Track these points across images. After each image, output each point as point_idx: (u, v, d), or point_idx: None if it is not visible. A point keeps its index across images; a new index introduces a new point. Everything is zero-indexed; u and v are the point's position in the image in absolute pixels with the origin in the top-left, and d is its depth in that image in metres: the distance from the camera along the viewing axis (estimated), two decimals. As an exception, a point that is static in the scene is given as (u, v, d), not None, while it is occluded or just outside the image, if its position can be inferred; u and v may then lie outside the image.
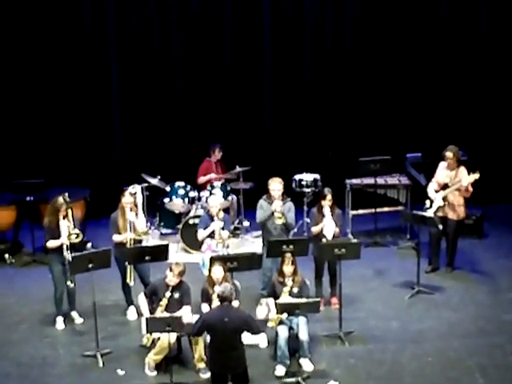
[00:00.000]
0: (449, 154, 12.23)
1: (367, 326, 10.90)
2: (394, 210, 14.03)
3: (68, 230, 10.76)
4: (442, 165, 12.41)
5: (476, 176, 12.02)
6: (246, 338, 9.38)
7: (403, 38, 15.42)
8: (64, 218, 10.84)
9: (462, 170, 12.26)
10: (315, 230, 11.30)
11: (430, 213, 12.06)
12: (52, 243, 10.81)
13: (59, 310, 11.10)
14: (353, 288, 11.80)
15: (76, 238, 10.80)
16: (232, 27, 15.31)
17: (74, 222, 10.93)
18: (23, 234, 13.81)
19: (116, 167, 15.54)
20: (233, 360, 8.96)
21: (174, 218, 14.05)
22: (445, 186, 12.26)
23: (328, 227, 11.08)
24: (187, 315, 9.84)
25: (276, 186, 11.34)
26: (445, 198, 12.19)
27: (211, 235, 11.43)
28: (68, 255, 10.61)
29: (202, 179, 14.30)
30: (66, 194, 11.12)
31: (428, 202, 12.33)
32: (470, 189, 12.14)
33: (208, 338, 9.62)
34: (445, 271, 12.52)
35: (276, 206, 11.23)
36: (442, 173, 12.38)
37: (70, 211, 10.95)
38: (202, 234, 11.49)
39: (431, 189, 12.41)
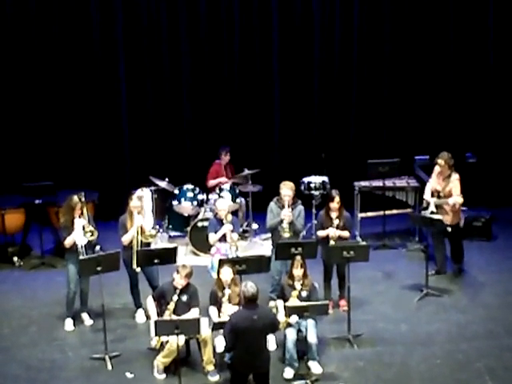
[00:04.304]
0: (440, 162, 12.09)
1: (376, 329, 10.88)
2: (402, 213, 13.99)
3: (83, 228, 10.78)
4: (437, 169, 12.27)
5: (460, 200, 11.88)
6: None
7: (412, 40, 15.42)
8: (79, 217, 10.88)
9: (454, 179, 12.04)
10: (320, 234, 11.27)
11: (427, 214, 12.01)
12: (69, 240, 10.83)
13: (69, 312, 11.11)
14: (361, 290, 11.80)
15: (91, 235, 10.83)
16: (240, 29, 15.32)
17: (89, 220, 10.95)
18: (32, 237, 13.83)
19: (124, 170, 15.54)
20: (261, 361, 8.85)
21: (182, 220, 14.04)
22: (438, 193, 12.16)
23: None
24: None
25: (286, 191, 11.21)
26: (437, 207, 12.10)
27: (222, 238, 11.44)
28: (82, 255, 10.65)
29: (211, 182, 14.30)
30: (82, 194, 11.17)
31: (425, 203, 12.30)
32: (460, 201, 11.92)
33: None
34: (453, 271, 12.50)
35: (284, 215, 11.16)
36: (435, 180, 12.26)
37: (85, 210, 10.98)
38: (213, 237, 11.44)
39: (427, 190, 12.33)
